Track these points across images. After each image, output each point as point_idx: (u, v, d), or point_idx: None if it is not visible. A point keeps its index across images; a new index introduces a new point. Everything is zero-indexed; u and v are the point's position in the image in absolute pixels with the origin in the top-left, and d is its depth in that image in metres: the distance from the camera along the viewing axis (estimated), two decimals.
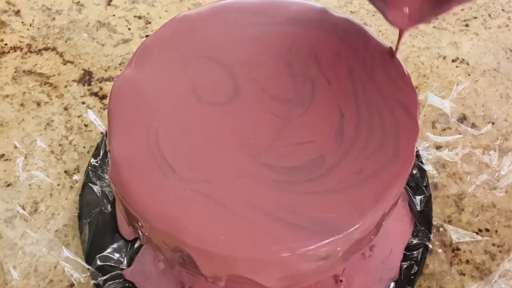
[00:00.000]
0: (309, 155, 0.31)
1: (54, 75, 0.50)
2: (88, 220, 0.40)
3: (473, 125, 0.47)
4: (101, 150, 0.44)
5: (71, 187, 0.43)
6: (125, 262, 0.39)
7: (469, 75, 0.51)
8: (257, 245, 0.28)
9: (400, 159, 0.31)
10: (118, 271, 0.38)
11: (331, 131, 0.32)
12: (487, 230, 0.42)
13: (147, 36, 0.53)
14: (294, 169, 0.30)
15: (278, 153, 0.31)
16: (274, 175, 0.30)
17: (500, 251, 0.41)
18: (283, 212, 0.29)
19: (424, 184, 0.42)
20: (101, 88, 0.49)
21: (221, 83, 0.33)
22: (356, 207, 0.29)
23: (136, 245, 0.40)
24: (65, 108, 0.48)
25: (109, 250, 0.39)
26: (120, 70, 0.51)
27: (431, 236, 0.40)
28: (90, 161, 0.43)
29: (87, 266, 0.38)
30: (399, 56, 0.34)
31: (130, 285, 0.38)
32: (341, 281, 0.38)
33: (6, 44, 0.52)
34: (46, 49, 0.52)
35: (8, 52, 0.52)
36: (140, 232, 0.31)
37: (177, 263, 0.31)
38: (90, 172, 0.43)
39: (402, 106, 0.32)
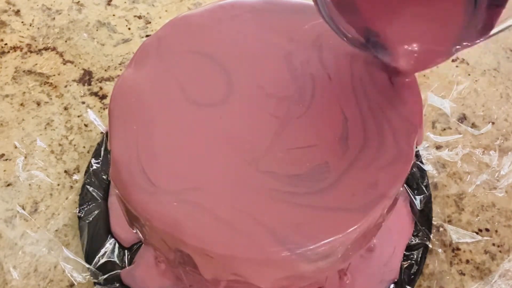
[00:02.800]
0: (311, 162, 0.30)
1: (54, 75, 0.50)
2: (88, 220, 0.41)
3: (473, 125, 0.47)
4: (102, 150, 0.44)
5: (71, 187, 0.43)
6: (126, 262, 0.39)
7: (469, 75, 0.51)
8: (256, 244, 0.27)
9: (400, 159, 0.30)
10: (119, 271, 0.38)
11: (334, 135, 0.31)
12: (487, 230, 0.42)
13: (147, 36, 0.53)
14: (297, 177, 0.29)
15: (278, 159, 0.30)
16: (275, 184, 0.29)
17: (500, 251, 0.41)
18: (288, 232, 0.27)
19: (424, 184, 0.42)
20: (101, 88, 0.50)
21: (220, 83, 0.33)
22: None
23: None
24: (65, 108, 0.48)
25: (109, 249, 0.39)
26: (120, 70, 0.51)
27: (431, 236, 0.41)
28: (90, 161, 0.43)
29: (87, 266, 0.38)
30: None
31: None
32: (345, 274, 0.38)
33: (6, 44, 0.53)
34: (46, 49, 0.52)
35: (8, 52, 0.52)
36: (141, 232, 0.31)
37: (177, 264, 0.31)
38: (91, 173, 0.43)
39: (403, 106, 0.32)
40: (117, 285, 0.38)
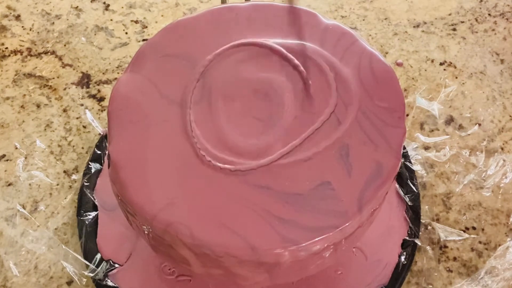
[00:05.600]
0: (310, 180, 0.29)
1: (53, 78, 0.51)
2: (86, 219, 0.41)
3: (460, 127, 0.48)
4: (99, 152, 0.45)
5: (70, 186, 0.44)
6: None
7: (456, 78, 0.51)
8: (250, 241, 0.28)
9: (387, 165, 0.30)
10: (117, 268, 0.39)
11: (330, 145, 0.31)
12: (473, 228, 0.42)
13: (144, 40, 0.54)
14: (297, 198, 0.29)
15: (268, 171, 0.30)
16: (272, 204, 0.29)
17: (486, 249, 0.41)
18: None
19: (413, 184, 0.43)
20: (99, 91, 0.50)
21: (209, 87, 0.33)
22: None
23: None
24: (64, 110, 0.48)
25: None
26: (118, 73, 0.51)
27: (420, 234, 0.41)
28: (88, 162, 0.44)
29: (86, 263, 0.39)
30: (388, 59, 0.34)
31: None
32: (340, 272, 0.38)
33: (6, 48, 0.53)
34: (45, 52, 0.53)
35: (9, 55, 0.52)
36: (138, 230, 0.32)
37: (173, 261, 0.32)
38: (89, 176, 0.43)
39: (389, 110, 0.32)
40: (115, 283, 0.38)
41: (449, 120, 0.48)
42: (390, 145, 0.31)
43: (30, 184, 0.44)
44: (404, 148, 0.45)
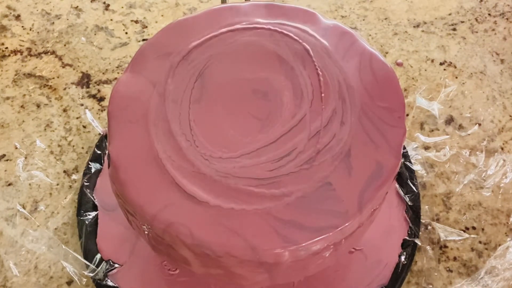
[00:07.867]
0: (311, 181, 0.30)
1: (53, 78, 0.51)
2: (86, 219, 0.41)
3: (460, 127, 0.48)
4: (99, 152, 0.45)
5: (70, 186, 0.44)
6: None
7: (456, 77, 0.51)
8: (250, 241, 0.28)
9: (387, 165, 0.31)
10: (117, 268, 0.39)
11: (332, 147, 0.31)
12: (473, 228, 0.42)
13: (144, 40, 0.54)
14: (297, 198, 0.29)
15: (267, 171, 0.30)
16: (275, 208, 0.29)
17: (486, 249, 0.41)
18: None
19: (413, 184, 0.43)
20: (99, 91, 0.50)
21: (208, 86, 0.33)
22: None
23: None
24: (64, 110, 0.49)
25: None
26: (118, 73, 0.51)
27: (420, 233, 0.41)
28: (88, 162, 0.44)
29: (86, 263, 0.39)
30: (388, 59, 0.34)
31: None
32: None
33: (6, 48, 0.53)
34: (45, 52, 0.53)
35: (9, 55, 0.52)
36: (138, 229, 0.32)
37: (173, 261, 0.32)
38: (89, 176, 0.43)
39: (389, 110, 0.33)
40: (115, 283, 0.38)
41: (449, 120, 0.48)
42: (390, 145, 0.31)
43: (30, 184, 0.44)
44: (404, 148, 0.45)
